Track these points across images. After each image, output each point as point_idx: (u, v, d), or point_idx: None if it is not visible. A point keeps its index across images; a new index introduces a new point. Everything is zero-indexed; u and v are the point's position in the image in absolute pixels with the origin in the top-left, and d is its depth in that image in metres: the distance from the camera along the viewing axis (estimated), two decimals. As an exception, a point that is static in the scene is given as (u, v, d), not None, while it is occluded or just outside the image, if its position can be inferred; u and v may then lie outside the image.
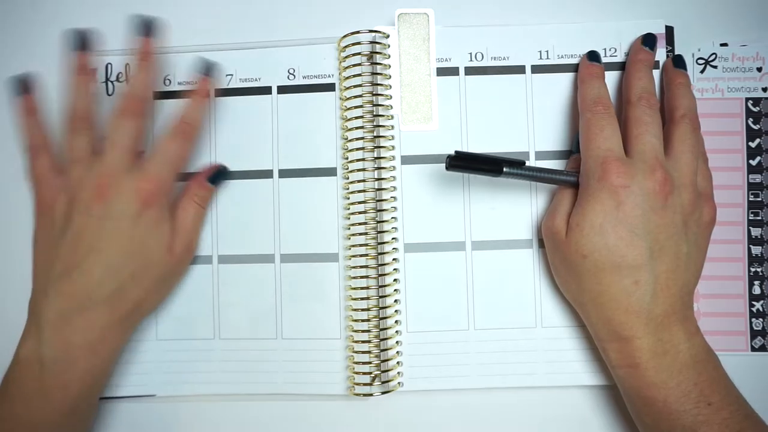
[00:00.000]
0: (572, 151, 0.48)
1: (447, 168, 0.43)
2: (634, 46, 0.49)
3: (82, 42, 0.48)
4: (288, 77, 0.51)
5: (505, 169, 0.43)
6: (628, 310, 0.41)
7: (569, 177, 0.45)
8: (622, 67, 0.49)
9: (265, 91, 0.50)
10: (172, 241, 0.45)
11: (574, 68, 0.49)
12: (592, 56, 0.48)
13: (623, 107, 0.46)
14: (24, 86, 0.49)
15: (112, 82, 0.51)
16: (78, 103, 0.47)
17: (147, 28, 0.47)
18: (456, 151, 0.43)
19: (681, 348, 0.41)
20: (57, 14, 0.52)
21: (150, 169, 0.45)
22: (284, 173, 0.50)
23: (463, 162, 0.43)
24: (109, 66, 0.51)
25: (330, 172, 0.50)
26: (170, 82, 0.51)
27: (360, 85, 0.49)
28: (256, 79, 0.51)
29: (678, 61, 0.48)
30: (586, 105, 0.46)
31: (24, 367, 0.42)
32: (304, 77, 0.50)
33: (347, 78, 0.49)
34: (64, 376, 0.41)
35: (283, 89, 0.50)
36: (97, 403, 0.45)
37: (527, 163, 0.45)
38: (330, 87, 0.50)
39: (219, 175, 0.49)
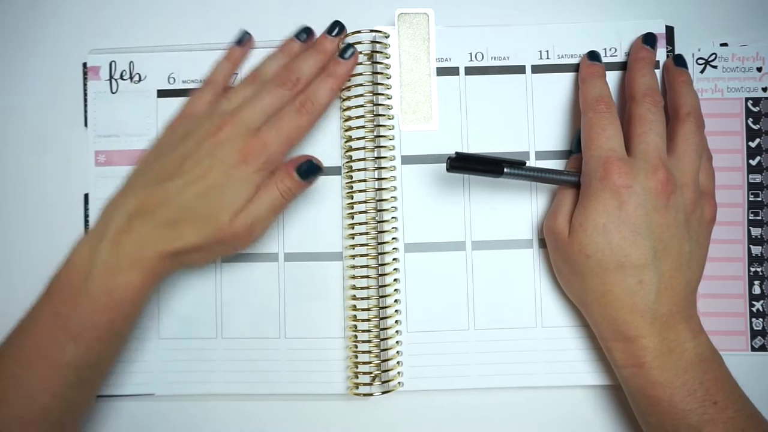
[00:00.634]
0: (572, 151, 0.48)
1: (448, 169, 0.43)
2: (635, 45, 0.49)
3: (302, 33, 0.50)
4: (291, 75, 0.51)
5: (506, 170, 0.43)
6: (633, 310, 0.41)
7: (570, 177, 0.45)
8: (622, 67, 0.49)
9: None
10: (243, 211, 0.44)
11: (574, 68, 0.49)
12: (593, 56, 0.48)
13: (627, 104, 0.46)
14: (241, 40, 0.50)
15: (116, 80, 0.51)
16: (265, 67, 0.48)
17: (338, 30, 0.49)
18: (456, 153, 0.43)
19: (686, 347, 0.41)
20: (57, 14, 0.52)
21: (263, 132, 0.44)
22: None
23: (463, 163, 0.43)
24: (113, 64, 0.51)
25: (334, 171, 0.50)
26: (174, 80, 0.51)
27: (361, 85, 0.49)
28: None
29: (679, 61, 0.48)
30: (588, 104, 0.45)
31: (76, 265, 0.42)
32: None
33: (348, 77, 0.49)
34: (110, 281, 0.41)
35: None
36: (133, 330, 0.45)
37: (528, 164, 0.45)
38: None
39: (309, 169, 0.45)
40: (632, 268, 0.41)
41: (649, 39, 0.48)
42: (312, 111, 0.46)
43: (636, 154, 0.43)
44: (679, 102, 0.46)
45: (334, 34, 0.48)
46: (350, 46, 0.48)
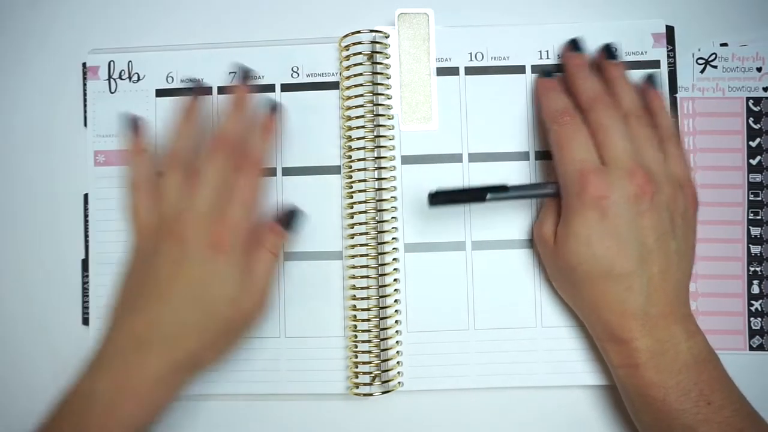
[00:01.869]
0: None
1: (429, 205, 0.43)
2: (565, 56, 0.48)
3: (194, 89, 0.48)
4: (292, 75, 0.51)
5: (488, 196, 0.43)
6: (624, 314, 0.42)
7: (549, 190, 0.45)
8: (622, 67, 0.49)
9: (269, 89, 0.50)
10: (241, 294, 0.43)
11: (575, 68, 0.49)
12: (546, 73, 0.48)
13: (584, 116, 0.45)
14: (134, 127, 0.48)
15: (114, 79, 0.51)
16: (179, 144, 0.46)
17: (243, 76, 0.48)
18: (437, 190, 0.43)
19: (681, 348, 0.41)
20: (57, 14, 0.52)
21: (225, 213, 0.43)
22: (288, 171, 0.50)
23: (444, 197, 0.43)
24: (112, 63, 0.51)
25: (334, 170, 0.50)
26: (173, 79, 0.51)
27: (361, 85, 0.49)
28: (259, 77, 0.51)
29: (610, 52, 0.47)
30: (551, 117, 0.45)
31: (77, 397, 0.41)
32: (308, 75, 0.50)
33: (348, 78, 0.49)
34: (105, 418, 0.40)
35: (286, 87, 0.50)
36: None
37: (510, 184, 0.44)
38: (333, 85, 0.50)
39: (293, 218, 0.45)
40: (618, 276, 0.41)
41: (575, 44, 0.48)
42: (253, 164, 0.45)
43: (609, 162, 0.42)
44: (617, 101, 0.45)
45: (241, 81, 0.48)
46: (272, 101, 0.48)
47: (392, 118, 0.49)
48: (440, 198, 0.43)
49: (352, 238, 0.49)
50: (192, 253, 0.42)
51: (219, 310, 0.42)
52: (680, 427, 0.40)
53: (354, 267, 0.48)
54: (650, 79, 0.47)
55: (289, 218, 0.44)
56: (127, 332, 0.42)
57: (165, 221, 0.44)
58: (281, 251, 0.44)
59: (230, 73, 0.50)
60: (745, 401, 0.42)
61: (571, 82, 0.46)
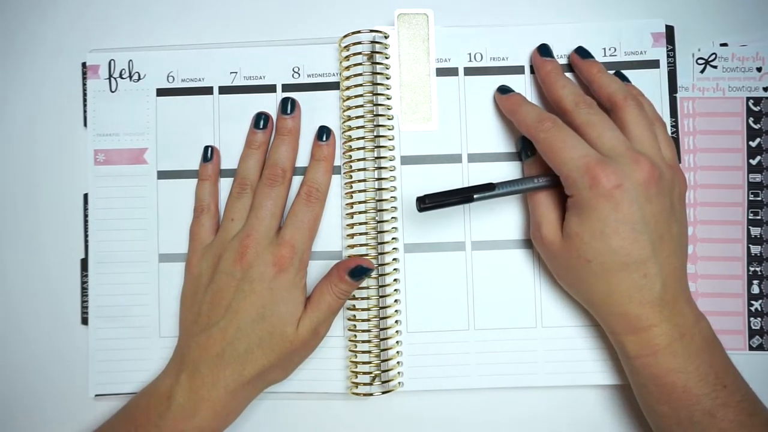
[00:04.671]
0: (522, 159, 0.48)
1: (419, 210, 0.43)
2: (537, 62, 0.48)
3: (260, 120, 0.50)
4: (293, 75, 0.51)
5: (475, 196, 0.44)
6: (642, 302, 0.42)
7: (537, 183, 0.45)
8: (621, 66, 0.49)
9: (270, 89, 0.51)
10: (302, 317, 0.45)
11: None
12: (504, 90, 0.49)
13: (566, 119, 0.45)
14: (207, 155, 0.50)
15: (115, 78, 0.51)
16: (245, 171, 0.49)
17: (290, 106, 0.49)
18: (424, 195, 0.43)
19: (694, 331, 0.41)
20: (56, 14, 0.52)
21: (285, 235, 0.46)
22: (288, 171, 0.50)
23: (432, 202, 0.43)
24: (112, 63, 0.51)
25: (334, 170, 0.50)
26: (173, 79, 0.51)
27: (361, 85, 0.49)
28: (260, 77, 0.51)
29: (583, 53, 0.48)
30: (532, 129, 0.44)
31: (156, 398, 0.44)
32: (308, 75, 0.50)
33: (348, 78, 0.49)
34: (183, 423, 0.43)
35: (287, 87, 0.50)
36: None
37: (497, 182, 0.44)
38: (334, 85, 0.50)
39: (360, 271, 0.46)
40: (635, 264, 0.41)
41: (545, 50, 0.48)
42: (319, 197, 0.48)
43: (608, 154, 0.42)
44: (608, 91, 0.45)
45: (288, 112, 0.49)
46: (325, 128, 0.49)
47: (392, 119, 0.49)
48: (428, 203, 0.43)
49: (352, 238, 0.49)
50: (255, 273, 0.45)
51: (282, 329, 0.45)
52: (700, 413, 0.40)
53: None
54: (618, 74, 0.48)
55: (356, 270, 0.46)
56: (201, 347, 0.45)
57: (229, 243, 0.47)
58: (346, 297, 0.47)
59: (281, 101, 0.50)
60: (749, 387, 0.42)
61: (550, 87, 0.47)
